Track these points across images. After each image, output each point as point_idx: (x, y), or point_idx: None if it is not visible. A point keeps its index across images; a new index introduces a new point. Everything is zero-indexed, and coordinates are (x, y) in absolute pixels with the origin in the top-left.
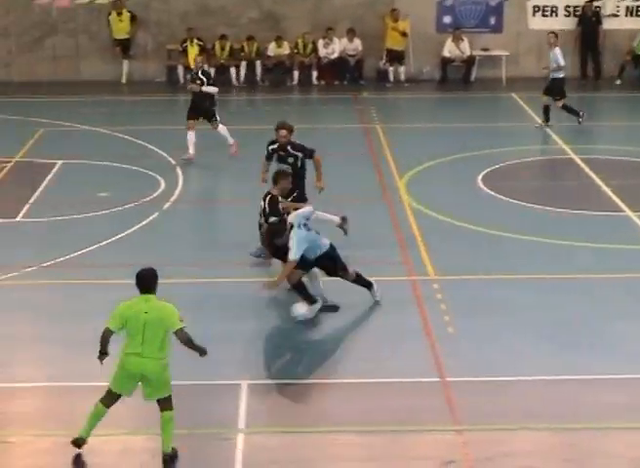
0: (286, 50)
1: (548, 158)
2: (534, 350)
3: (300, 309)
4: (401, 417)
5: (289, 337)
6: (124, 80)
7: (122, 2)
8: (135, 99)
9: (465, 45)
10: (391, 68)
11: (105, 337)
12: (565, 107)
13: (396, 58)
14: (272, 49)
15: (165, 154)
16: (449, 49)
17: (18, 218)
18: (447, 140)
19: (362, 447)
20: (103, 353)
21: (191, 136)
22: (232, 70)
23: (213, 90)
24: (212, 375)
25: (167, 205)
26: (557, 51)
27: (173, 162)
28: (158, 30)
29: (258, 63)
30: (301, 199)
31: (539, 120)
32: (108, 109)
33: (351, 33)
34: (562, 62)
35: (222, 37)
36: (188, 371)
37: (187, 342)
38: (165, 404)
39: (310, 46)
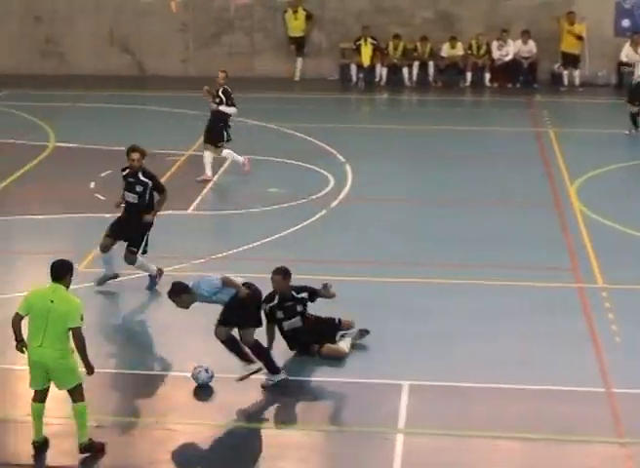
0: (459, 51)
1: None
2: None
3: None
4: (562, 426)
5: (450, 340)
6: (297, 77)
7: (298, 0)
8: (307, 97)
9: None
10: (566, 72)
11: (15, 322)
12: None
13: (571, 61)
14: (446, 49)
15: (335, 152)
16: (626, 53)
17: (189, 211)
18: (621, 147)
19: (521, 453)
20: (19, 341)
21: (208, 156)
22: (405, 70)
23: (231, 110)
24: (375, 374)
25: (335, 203)
26: None
27: (342, 159)
28: (333, 28)
29: (430, 64)
30: (147, 240)
31: None
32: (280, 106)
33: (526, 35)
34: None
35: (396, 37)
36: (351, 369)
37: (80, 343)
38: (74, 395)
39: (484, 47)
